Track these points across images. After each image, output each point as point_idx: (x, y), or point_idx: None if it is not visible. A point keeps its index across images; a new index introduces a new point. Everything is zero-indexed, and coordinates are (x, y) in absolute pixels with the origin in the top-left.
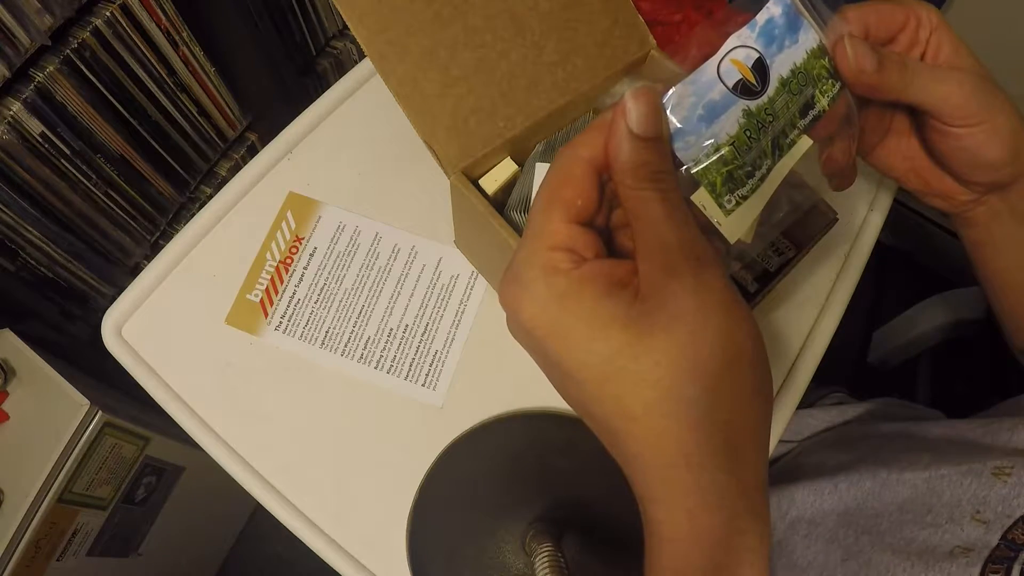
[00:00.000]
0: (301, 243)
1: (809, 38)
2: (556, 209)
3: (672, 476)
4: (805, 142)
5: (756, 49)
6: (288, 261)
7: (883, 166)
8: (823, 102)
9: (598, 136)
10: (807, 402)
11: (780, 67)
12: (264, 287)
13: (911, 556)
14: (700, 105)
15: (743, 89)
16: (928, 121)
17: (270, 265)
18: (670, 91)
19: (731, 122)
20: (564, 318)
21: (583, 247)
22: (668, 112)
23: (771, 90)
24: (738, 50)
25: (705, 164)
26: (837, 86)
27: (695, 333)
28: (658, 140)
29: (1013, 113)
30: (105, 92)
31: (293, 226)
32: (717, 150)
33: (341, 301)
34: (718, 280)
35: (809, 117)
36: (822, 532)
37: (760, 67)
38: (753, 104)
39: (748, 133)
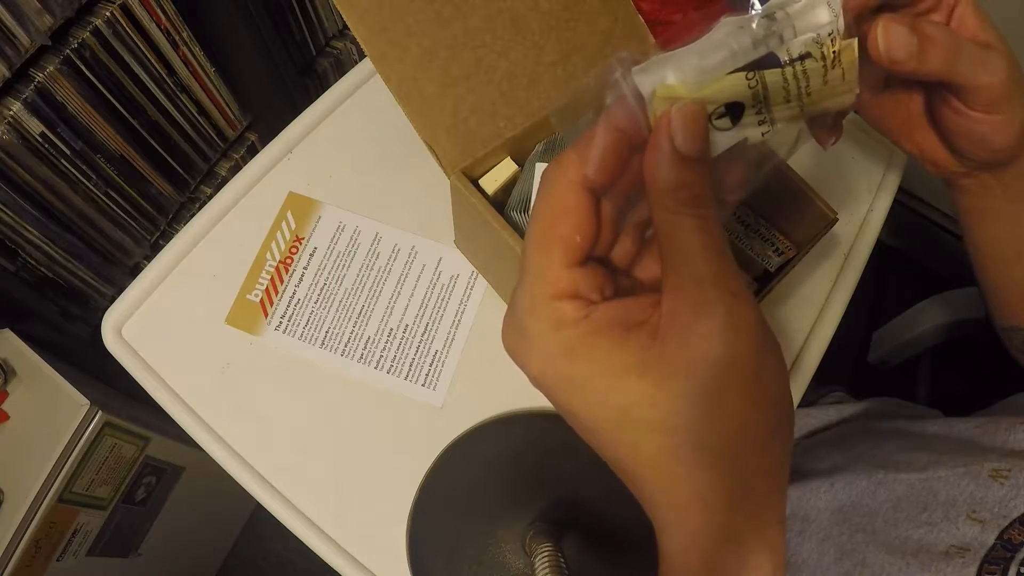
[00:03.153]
0: (301, 243)
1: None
2: (555, 251)
3: (687, 517)
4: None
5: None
6: (288, 261)
7: (878, 124)
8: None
9: (588, 152)
10: (806, 401)
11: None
12: (264, 287)
13: (906, 555)
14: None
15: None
16: (946, 97)
17: (270, 265)
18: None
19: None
20: (576, 372)
21: (589, 290)
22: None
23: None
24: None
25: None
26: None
27: (720, 379)
28: (702, 162)
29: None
30: (105, 92)
31: (293, 226)
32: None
33: (341, 301)
34: (750, 316)
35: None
36: (815, 530)
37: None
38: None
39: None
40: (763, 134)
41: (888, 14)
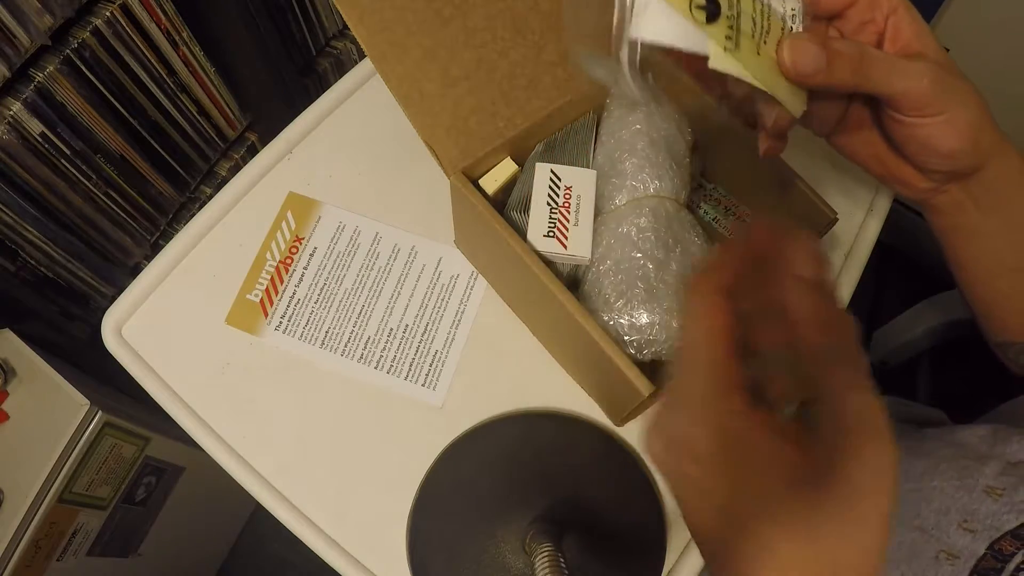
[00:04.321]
0: (301, 243)
1: None
2: (728, 344)
3: None
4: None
5: None
6: (288, 261)
7: (845, 151)
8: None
9: (729, 259)
10: None
11: None
12: (264, 287)
13: (899, 563)
14: None
15: None
16: (884, 109)
17: (270, 265)
18: None
19: None
20: (741, 465)
21: (745, 390)
22: None
23: None
24: None
25: None
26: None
27: (865, 539)
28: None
29: (973, 104)
30: (105, 92)
31: (293, 226)
32: None
33: (341, 301)
34: (890, 456)
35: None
36: None
37: None
38: None
39: None
40: (725, 49)
41: (797, 32)
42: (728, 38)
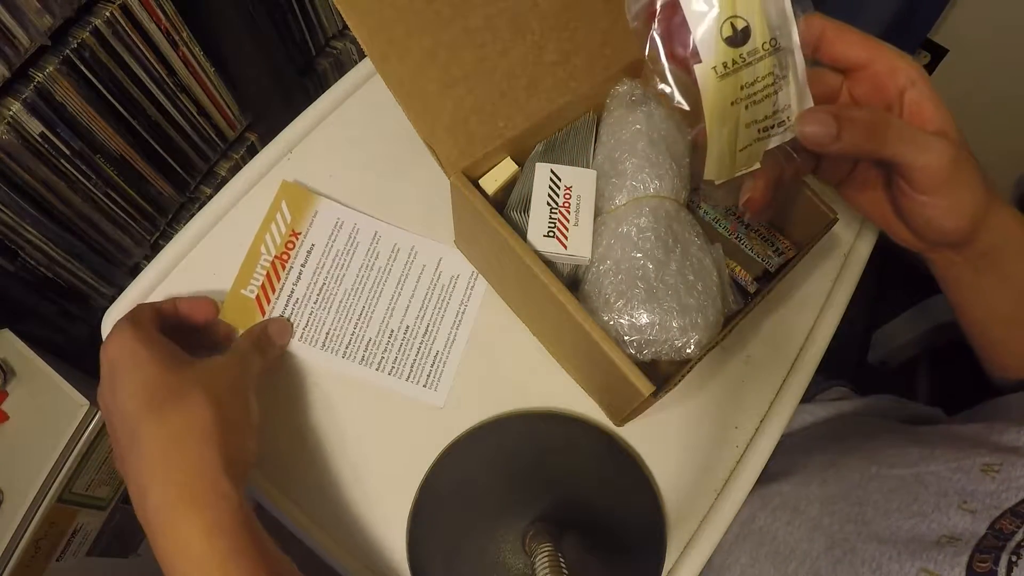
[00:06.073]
0: (298, 238)
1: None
2: None
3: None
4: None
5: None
6: (285, 257)
7: (849, 202)
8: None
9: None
10: (809, 395)
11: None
12: (259, 283)
13: (897, 545)
14: None
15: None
16: (894, 178)
17: (265, 259)
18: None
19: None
20: None
21: None
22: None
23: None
24: None
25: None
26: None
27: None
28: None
29: (979, 188)
30: (105, 92)
31: (288, 218)
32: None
33: (341, 302)
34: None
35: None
36: (805, 520)
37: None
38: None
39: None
40: (713, 68)
41: (815, 105)
42: (725, 66)
